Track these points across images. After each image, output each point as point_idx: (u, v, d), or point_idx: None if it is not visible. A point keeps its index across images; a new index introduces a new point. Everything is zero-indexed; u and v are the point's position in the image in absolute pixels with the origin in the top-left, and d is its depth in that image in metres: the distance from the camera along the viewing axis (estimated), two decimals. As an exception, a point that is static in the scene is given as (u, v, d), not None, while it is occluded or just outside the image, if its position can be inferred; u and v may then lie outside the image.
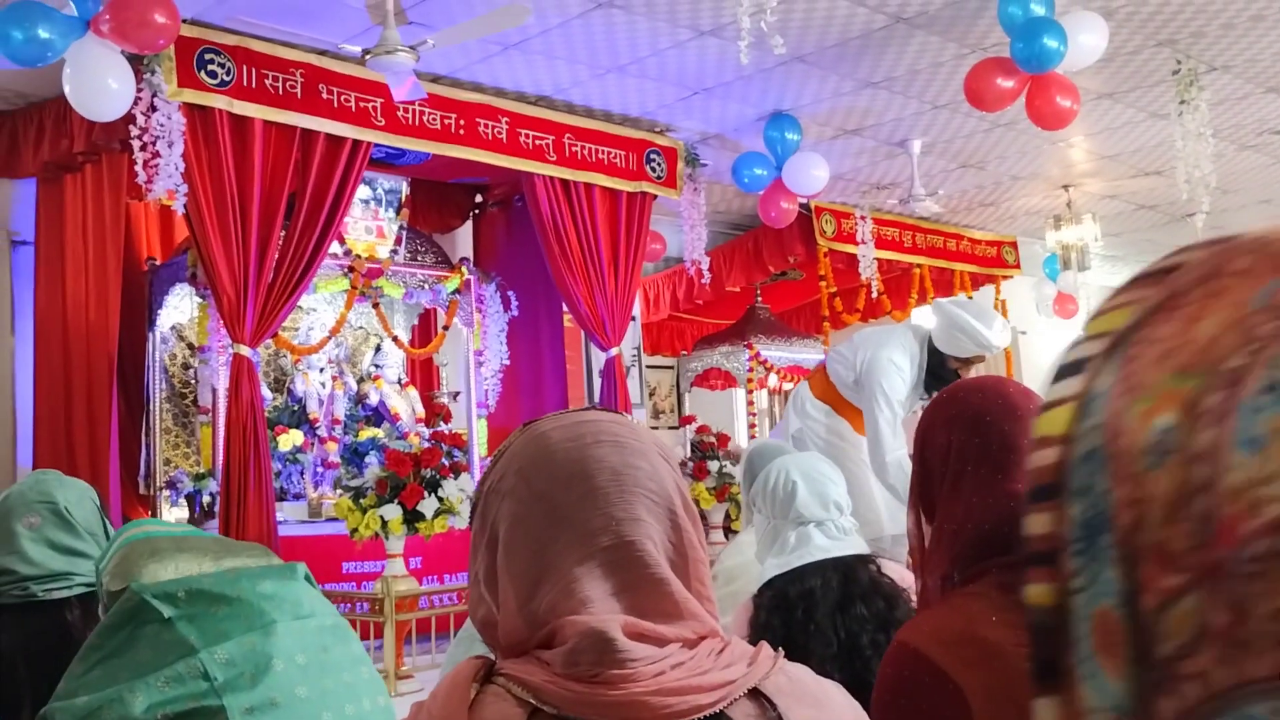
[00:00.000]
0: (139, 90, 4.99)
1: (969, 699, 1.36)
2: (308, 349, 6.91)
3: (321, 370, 7.21)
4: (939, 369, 4.89)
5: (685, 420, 8.26)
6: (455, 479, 5.29)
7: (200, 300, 6.27)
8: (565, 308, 7.35)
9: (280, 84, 5.64)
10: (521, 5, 4.86)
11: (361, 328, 7.74)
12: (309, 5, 5.26)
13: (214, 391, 6.16)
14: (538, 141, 6.68)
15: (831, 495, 2.33)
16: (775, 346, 9.11)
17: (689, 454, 7.32)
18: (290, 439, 6.77)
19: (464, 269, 7.26)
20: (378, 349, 7.63)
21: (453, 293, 7.22)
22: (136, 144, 5.08)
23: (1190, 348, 0.52)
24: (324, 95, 5.78)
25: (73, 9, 4.64)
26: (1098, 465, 0.54)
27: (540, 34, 5.70)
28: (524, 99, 6.64)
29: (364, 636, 4.88)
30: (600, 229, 7.04)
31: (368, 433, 7.07)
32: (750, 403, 9.21)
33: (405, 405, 7.39)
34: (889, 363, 4.84)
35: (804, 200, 7.82)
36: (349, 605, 5.36)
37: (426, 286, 7.17)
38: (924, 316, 5.34)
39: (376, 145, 6.06)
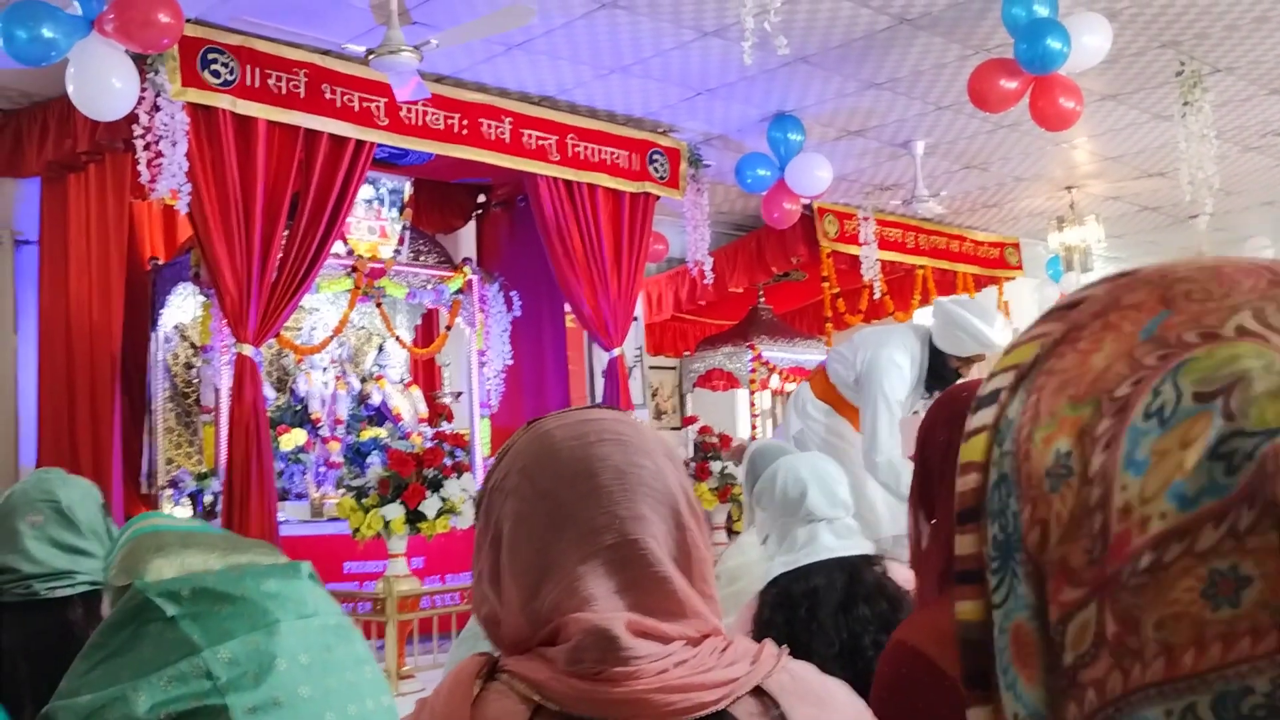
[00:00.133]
0: (143, 90, 5.00)
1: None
2: (310, 349, 6.92)
3: (324, 370, 7.22)
4: (940, 368, 4.89)
5: (687, 421, 8.26)
6: (458, 479, 5.29)
7: (203, 300, 6.27)
8: (568, 308, 7.35)
9: (284, 84, 5.64)
10: (525, 5, 4.86)
11: (364, 328, 7.74)
12: (313, 5, 5.26)
13: (216, 391, 6.16)
14: (541, 142, 6.68)
15: (840, 494, 2.36)
16: (778, 347, 9.11)
17: (691, 455, 7.32)
18: (293, 438, 6.77)
19: (467, 269, 7.26)
20: (380, 349, 7.63)
21: (455, 293, 7.22)
22: (140, 143, 5.08)
23: (1085, 378, 0.56)
24: (327, 95, 5.79)
25: (77, 8, 4.65)
26: (1010, 489, 0.58)
27: (544, 34, 5.70)
28: (527, 99, 6.65)
29: (366, 636, 4.87)
30: (603, 229, 7.04)
31: (370, 432, 7.07)
32: (753, 404, 9.21)
33: (408, 405, 7.39)
34: (890, 362, 4.83)
35: (807, 201, 7.82)
36: (351, 605, 5.36)
37: (429, 286, 7.17)
38: (926, 317, 5.33)
39: (380, 145, 6.06)
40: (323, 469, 6.85)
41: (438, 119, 6.21)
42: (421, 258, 7.21)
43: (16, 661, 1.91)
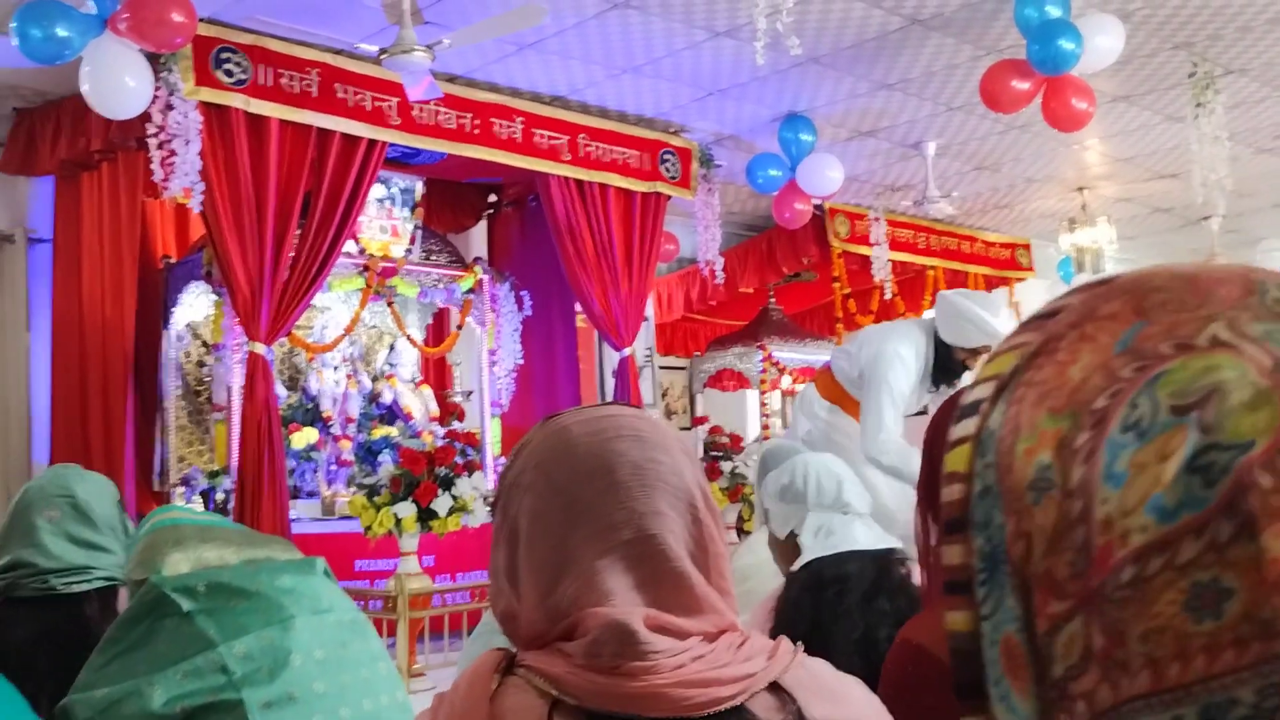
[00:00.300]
0: (156, 89, 5.02)
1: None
2: (322, 347, 6.94)
3: (336, 368, 7.24)
4: (946, 361, 4.89)
5: (698, 421, 8.27)
6: (469, 477, 5.30)
7: (215, 298, 6.30)
8: (579, 308, 7.36)
9: (296, 83, 5.66)
10: (537, 5, 4.87)
11: (375, 326, 7.76)
12: (325, 5, 5.28)
13: (228, 389, 6.18)
14: (552, 141, 6.69)
15: (863, 492, 2.45)
16: (788, 348, 9.10)
17: (702, 454, 7.33)
18: (304, 437, 6.79)
19: (478, 268, 7.28)
20: (391, 348, 7.65)
21: (467, 292, 7.23)
22: (153, 142, 5.10)
23: (1063, 390, 0.56)
24: (340, 94, 5.80)
25: (91, 7, 4.67)
26: (993, 500, 0.58)
27: (556, 34, 5.71)
28: (539, 99, 6.66)
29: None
30: (614, 229, 7.05)
31: (381, 431, 7.09)
32: (763, 404, 9.21)
33: (419, 404, 7.40)
34: (894, 355, 4.83)
35: (818, 201, 7.82)
36: (362, 603, 5.37)
37: (441, 286, 7.19)
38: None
39: (392, 145, 6.08)
40: (334, 467, 6.86)
41: (450, 118, 6.22)
42: (433, 257, 7.22)
43: (33, 655, 1.92)
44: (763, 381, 9.04)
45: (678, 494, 1.01)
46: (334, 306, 7.29)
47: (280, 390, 6.53)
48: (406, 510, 5.12)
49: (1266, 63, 6.58)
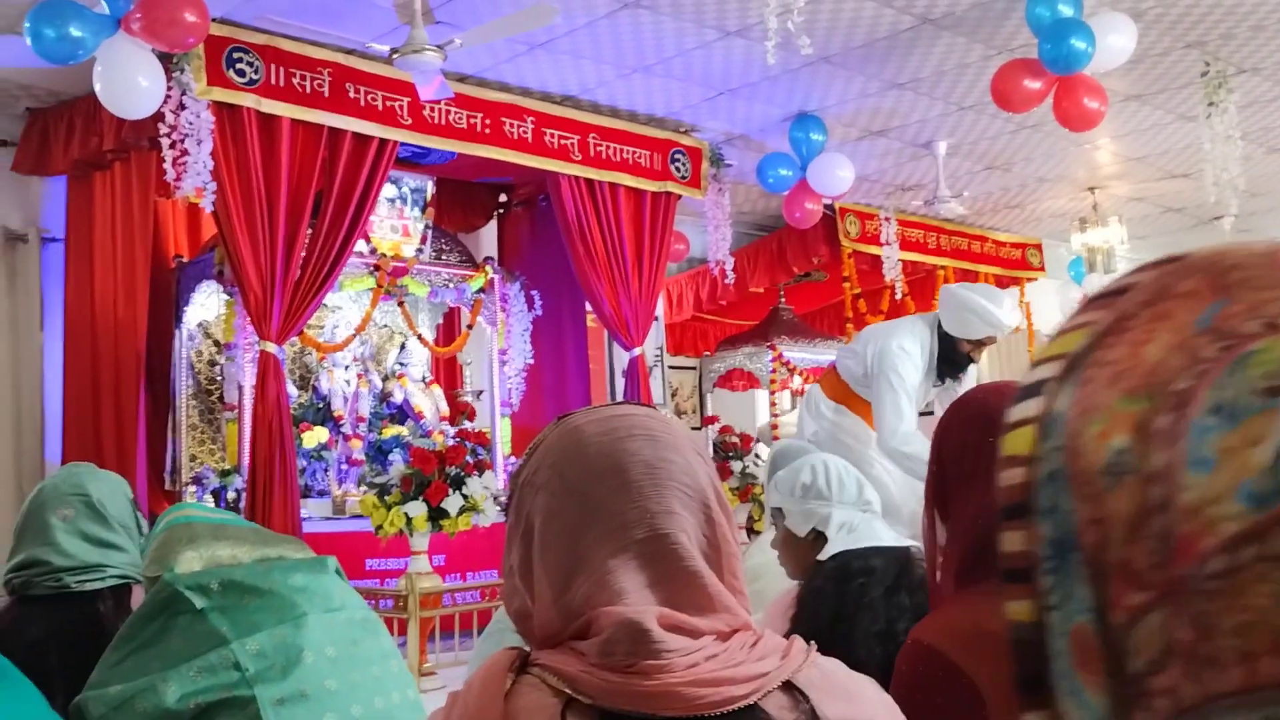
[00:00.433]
0: (168, 88, 5.04)
1: (983, 693, 1.39)
2: (333, 346, 6.95)
3: (346, 368, 7.25)
4: (951, 353, 4.91)
5: (708, 421, 8.27)
6: (479, 477, 5.31)
7: (227, 297, 6.31)
8: (589, 307, 7.36)
9: (308, 83, 5.67)
10: (548, 5, 4.87)
11: (386, 326, 7.77)
12: (337, 5, 5.29)
13: (240, 388, 6.20)
14: (563, 141, 6.70)
15: (875, 491, 2.52)
16: (798, 348, 9.09)
17: (711, 454, 7.33)
18: (315, 436, 6.80)
19: (488, 268, 7.29)
20: (402, 347, 7.66)
21: (477, 292, 7.24)
22: (165, 142, 5.12)
23: (1139, 370, 0.53)
24: (351, 94, 5.81)
25: (104, 7, 4.69)
26: (1061, 485, 0.55)
27: (567, 34, 5.71)
28: (549, 99, 6.66)
29: (387, 633, 4.89)
30: (624, 229, 7.05)
31: (392, 430, 7.10)
32: (773, 404, 9.20)
33: (429, 403, 7.41)
34: (899, 350, 4.85)
35: (828, 201, 7.81)
36: (373, 602, 5.38)
37: (451, 285, 7.20)
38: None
39: (403, 144, 6.09)
40: (344, 466, 6.87)
41: (460, 118, 6.23)
42: (443, 256, 7.23)
43: (47, 652, 1.93)
44: (773, 381, 9.04)
45: (690, 493, 1.01)
46: (345, 306, 7.30)
47: (291, 389, 6.54)
48: (417, 510, 5.12)
49: (1279, 62, 6.56)
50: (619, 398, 7.44)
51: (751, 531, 7.05)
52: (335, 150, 5.82)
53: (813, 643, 1.02)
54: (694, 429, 8.97)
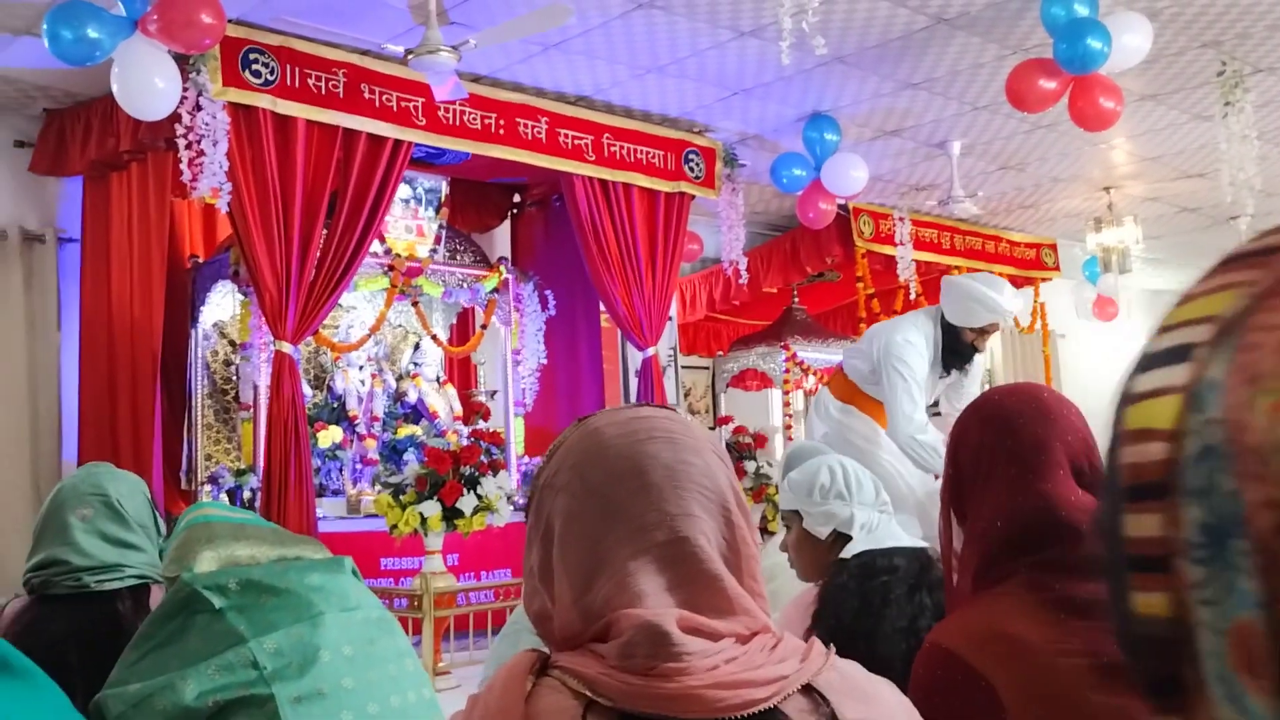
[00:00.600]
0: (185, 89, 5.06)
1: (1001, 696, 1.38)
2: (348, 346, 6.97)
3: (361, 368, 7.27)
4: (955, 344, 4.96)
5: (721, 421, 8.26)
6: (494, 476, 5.32)
7: (242, 298, 6.34)
8: (602, 307, 7.37)
9: (323, 83, 5.69)
10: (563, 5, 4.88)
11: (400, 326, 7.79)
12: (352, 5, 5.31)
13: (255, 388, 6.23)
14: (577, 141, 6.70)
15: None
16: (812, 348, 9.09)
17: (725, 454, 7.31)
18: (330, 435, 6.82)
19: (502, 268, 7.30)
20: (416, 347, 7.68)
21: (491, 292, 7.26)
22: (182, 143, 5.15)
23: None
24: (366, 95, 5.83)
25: (121, 9, 4.71)
26: (1218, 463, 0.49)
27: (581, 34, 5.72)
28: (564, 99, 6.67)
29: (402, 632, 4.91)
30: (638, 229, 7.06)
31: (406, 430, 7.11)
32: (786, 404, 9.19)
33: (443, 403, 7.43)
34: (904, 342, 4.90)
35: (842, 201, 7.80)
36: (387, 601, 5.38)
37: (465, 285, 7.22)
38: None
39: (417, 145, 6.10)
40: (359, 466, 6.89)
41: (475, 119, 6.24)
42: (457, 257, 7.25)
43: (67, 651, 1.95)
44: (786, 381, 9.03)
45: (710, 495, 1.01)
46: (359, 306, 7.33)
47: (306, 389, 6.56)
48: (432, 509, 5.14)
49: (1296, 61, 6.53)
50: (633, 398, 7.45)
51: (766, 532, 7.06)
52: (350, 151, 5.84)
53: (832, 645, 1.02)
54: (708, 430, 8.96)
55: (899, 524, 2.51)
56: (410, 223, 6.99)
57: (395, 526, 5.25)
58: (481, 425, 6.55)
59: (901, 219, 8.75)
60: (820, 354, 9.13)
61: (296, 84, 5.60)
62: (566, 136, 6.66)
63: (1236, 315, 0.50)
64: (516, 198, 8.13)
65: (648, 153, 7.07)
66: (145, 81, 4.83)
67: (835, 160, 7.15)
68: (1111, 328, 11.31)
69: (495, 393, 7.53)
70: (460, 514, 5.18)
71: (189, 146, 5.15)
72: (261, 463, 5.76)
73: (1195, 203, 9.54)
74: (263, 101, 5.49)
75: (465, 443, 5.54)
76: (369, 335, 6.95)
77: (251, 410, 6.30)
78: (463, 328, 7.98)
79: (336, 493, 6.75)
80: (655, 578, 0.97)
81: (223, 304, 6.67)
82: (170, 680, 1.40)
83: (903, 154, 7.96)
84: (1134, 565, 0.53)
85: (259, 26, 5.47)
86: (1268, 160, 7.90)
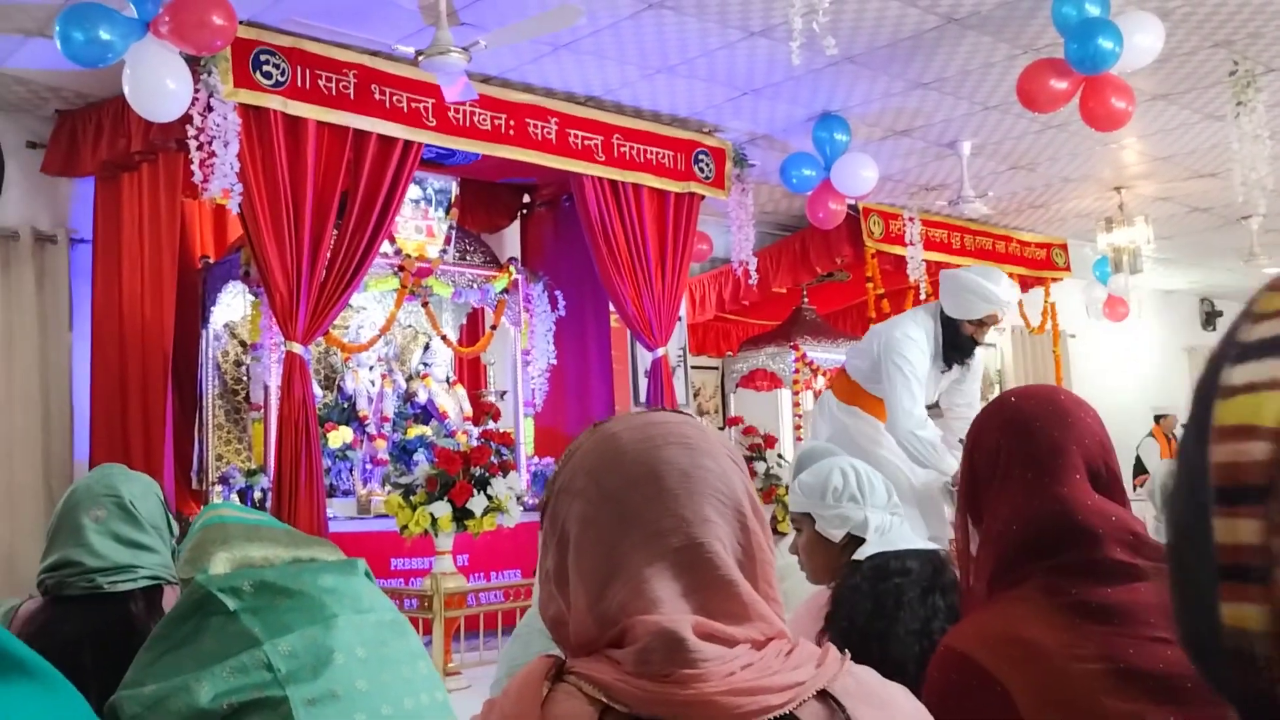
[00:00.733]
0: (196, 91, 5.07)
1: (1016, 700, 1.38)
2: (358, 347, 6.98)
3: (371, 368, 7.28)
4: (955, 337, 5.01)
5: (731, 421, 8.26)
6: (504, 477, 5.32)
7: (253, 298, 6.35)
8: (612, 308, 7.37)
9: (334, 84, 5.70)
10: (573, 6, 4.88)
11: (410, 326, 7.80)
12: (363, 7, 5.32)
13: (266, 388, 6.24)
14: (586, 142, 6.71)
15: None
16: (821, 348, 9.08)
17: (735, 455, 7.30)
18: (340, 436, 6.83)
19: (512, 269, 7.30)
20: (426, 347, 7.68)
21: (501, 292, 7.26)
22: (193, 144, 5.16)
23: None
24: (376, 96, 5.84)
25: (133, 11, 4.72)
26: None
27: (590, 34, 5.72)
28: (573, 99, 6.67)
29: (412, 632, 4.91)
30: (648, 229, 7.06)
31: (416, 430, 7.12)
32: (796, 404, 9.19)
33: (453, 403, 7.44)
34: (904, 337, 4.94)
35: (852, 201, 7.79)
36: (397, 601, 5.38)
37: (475, 286, 7.22)
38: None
39: (427, 145, 6.11)
40: (369, 466, 6.91)
41: (485, 119, 6.25)
42: (467, 257, 7.26)
43: (81, 652, 1.95)
44: (796, 381, 9.02)
45: (725, 501, 1.01)
46: (369, 306, 7.34)
47: (316, 389, 6.57)
48: (442, 510, 5.14)
49: (1308, 61, 6.51)
50: (642, 398, 7.44)
51: (776, 533, 7.06)
52: (360, 151, 5.85)
53: (846, 651, 1.02)
54: (717, 430, 8.94)
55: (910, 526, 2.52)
56: (420, 223, 6.99)
57: (405, 527, 5.25)
58: (491, 426, 6.56)
59: (911, 219, 8.74)
60: (830, 354, 9.12)
61: (307, 85, 5.61)
62: (576, 137, 6.66)
63: None
64: (526, 198, 8.14)
65: (657, 153, 7.06)
66: (156, 83, 4.84)
67: (845, 160, 7.14)
68: (1122, 328, 11.29)
69: (505, 393, 7.54)
70: (470, 514, 5.18)
71: (200, 147, 5.17)
72: (272, 463, 5.77)
73: (1207, 202, 9.51)
74: (273, 102, 5.50)
75: (475, 443, 5.54)
76: (379, 336, 6.95)
77: (262, 410, 6.31)
78: (472, 328, 7.98)
79: (347, 493, 6.76)
80: (671, 583, 0.97)
81: (233, 304, 6.68)
82: (185, 682, 1.40)
83: (913, 154, 7.95)
84: (1225, 574, 0.48)
85: (270, 28, 5.48)
86: (1280, 160, 7.88)
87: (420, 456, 6.55)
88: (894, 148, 7.77)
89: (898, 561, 2.31)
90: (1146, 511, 7.89)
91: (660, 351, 7.18)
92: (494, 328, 7.36)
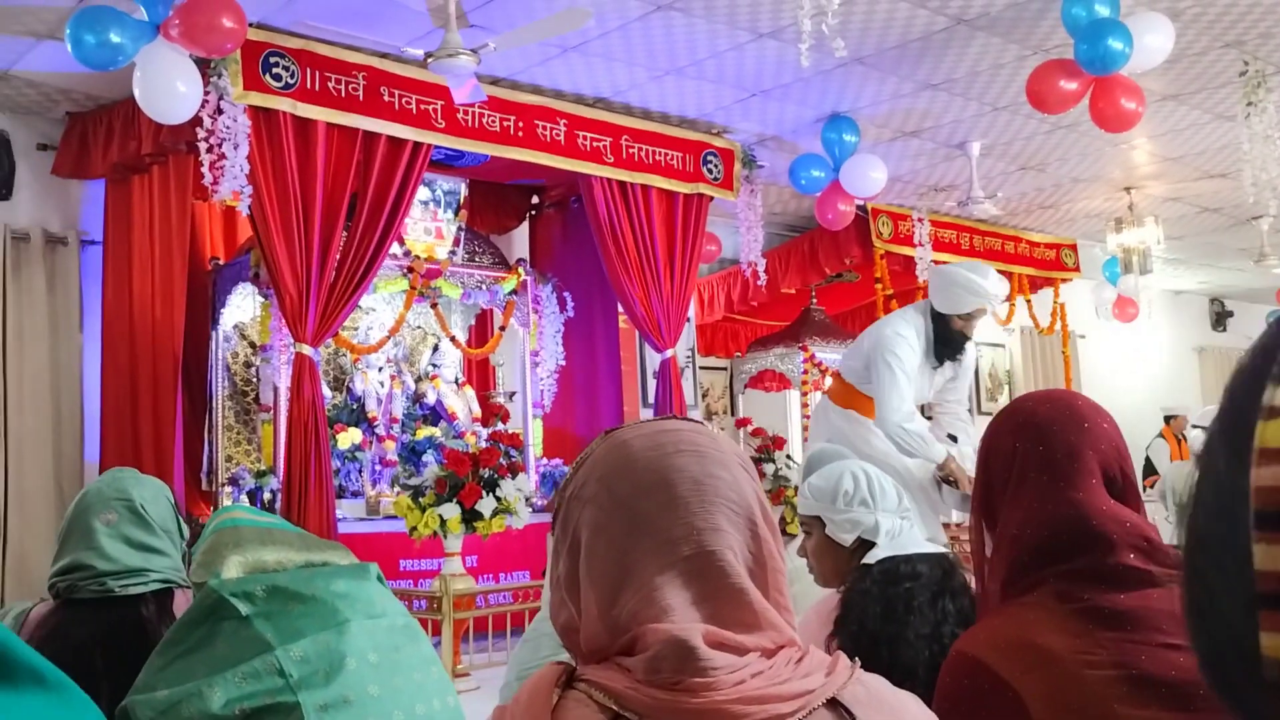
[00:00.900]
0: (206, 93, 5.09)
1: (1028, 706, 1.38)
2: (367, 348, 6.99)
3: (380, 369, 7.29)
4: (945, 333, 5.08)
5: (740, 422, 8.26)
6: (513, 479, 5.33)
7: (262, 300, 6.36)
8: (621, 309, 7.37)
9: (343, 86, 5.71)
10: (582, 8, 4.88)
11: (419, 327, 7.81)
12: (372, 9, 5.32)
13: (275, 389, 6.25)
14: (595, 143, 6.71)
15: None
16: (830, 349, 9.07)
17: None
18: (349, 437, 6.84)
19: (521, 270, 7.31)
20: (435, 349, 7.69)
21: (509, 293, 7.26)
22: (203, 146, 5.17)
23: None
24: (385, 98, 5.85)
25: (143, 14, 4.74)
26: None
27: (599, 36, 5.72)
28: (582, 101, 6.67)
29: (421, 634, 4.91)
30: (657, 230, 7.06)
31: (425, 431, 7.13)
32: (805, 405, 9.18)
33: (462, 405, 7.44)
34: (894, 334, 5.02)
35: (861, 202, 7.78)
36: (406, 603, 5.39)
37: (484, 287, 7.23)
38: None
39: (436, 147, 6.11)
40: (378, 467, 6.91)
41: (494, 121, 6.25)
42: (476, 258, 7.26)
43: (92, 656, 1.96)
44: (804, 382, 9.02)
45: (737, 510, 1.01)
46: (379, 308, 7.35)
47: (325, 391, 6.58)
48: (451, 512, 5.14)
49: (1319, 61, 6.49)
50: (651, 399, 7.44)
51: (784, 534, 7.05)
52: (370, 153, 5.85)
53: (857, 659, 1.02)
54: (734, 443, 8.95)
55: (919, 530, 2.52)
56: (429, 224, 7.00)
57: (414, 528, 5.26)
58: (500, 427, 6.56)
59: (920, 220, 8.73)
60: (838, 355, 9.08)
61: (317, 87, 5.62)
62: (585, 138, 6.66)
63: None
64: (535, 199, 8.14)
65: (666, 154, 7.06)
66: (167, 85, 4.85)
67: (854, 161, 7.13)
68: (1132, 329, 11.27)
69: (514, 394, 7.54)
70: (479, 516, 5.18)
71: (210, 150, 5.18)
72: (282, 464, 5.78)
73: (1217, 203, 9.48)
74: (283, 105, 5.51)
75: (484, 444, 5.55)
76: (388, 337, 6.96)
77: (272, 412, 6.32)
78: (481, 329, 7.99)
79: (356, 494, 6.77)
80: (682, 591, 0.97)
81: (243, 306, 6.69)
82: (197, 687, 1.41)
83: (922, 155, 7.94)
84: (1266, 602, 0.45)
85: (280, 30, 5.49)
86: (1290, 160, 7.84)
87: (429, 458, 6.56)
88: (903, 149, 7.76)
89: (908, 565, 2.30)
90: (1157, 513, 7.88)
91: (669, 352, 7.18)
92: (503, 329, 7.37)
